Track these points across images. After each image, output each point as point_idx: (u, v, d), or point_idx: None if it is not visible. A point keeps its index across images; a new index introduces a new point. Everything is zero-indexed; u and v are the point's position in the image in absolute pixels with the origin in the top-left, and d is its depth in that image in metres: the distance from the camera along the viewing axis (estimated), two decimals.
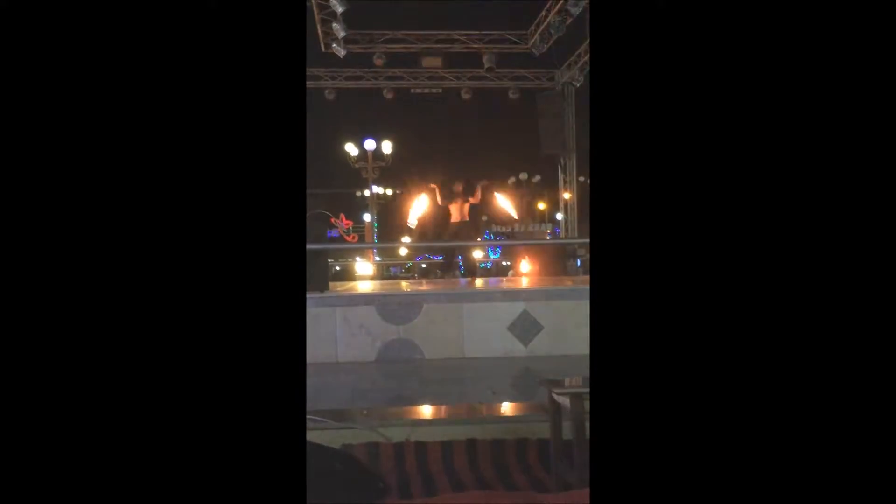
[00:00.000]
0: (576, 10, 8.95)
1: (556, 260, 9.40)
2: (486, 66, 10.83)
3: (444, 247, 9.14)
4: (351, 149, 16.85)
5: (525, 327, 4.26)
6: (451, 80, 11.65)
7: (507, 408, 2.82)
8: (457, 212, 9.31)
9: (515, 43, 10.84)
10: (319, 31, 9.64)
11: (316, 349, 4.03)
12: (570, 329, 4.07)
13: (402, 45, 10.81)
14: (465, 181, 9.58)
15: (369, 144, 16.42)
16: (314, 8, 9.17)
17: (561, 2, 9.16)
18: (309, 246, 4.41)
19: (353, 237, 10.26)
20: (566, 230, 12.65)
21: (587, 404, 1.80)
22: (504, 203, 11.06)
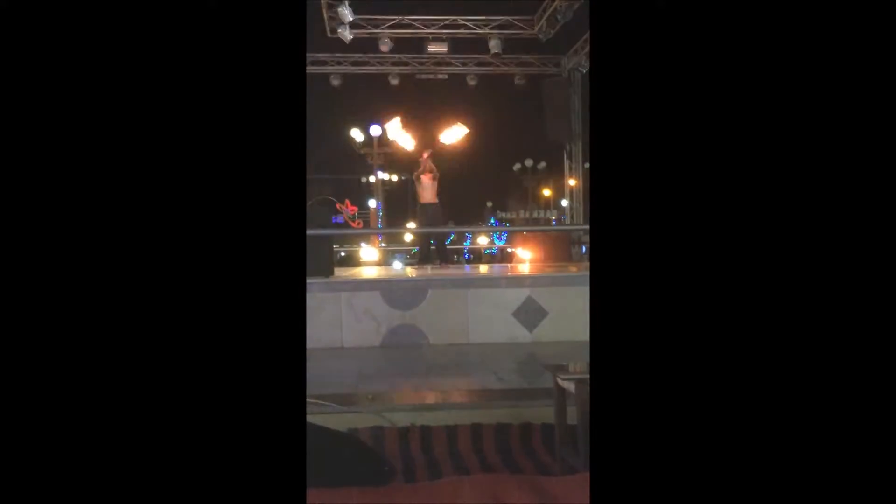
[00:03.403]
0: None
1: (560, 246, 9.39)
2: (491, 51, 10.77)
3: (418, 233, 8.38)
4: (356, 134, 16.81)
5: (530, 313, 4.27)
6: (457, 65, 11.59)
7: (511, 393, 2.84)
8: (429, 190, 8.13)
9: (521, 28, 10.77)
10: (325, 16, 9.59)
11: (321, 334, 4.05)
12: (574, 315, 4.07)
13: (408, 31, 10.75)
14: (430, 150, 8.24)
15: (374, 130, 16.37)
16: None
17: None
18: (314, 232, 4.42)
19: (359, 223, 10.23)
20: (572, 217, 12.62)
21: None
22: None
